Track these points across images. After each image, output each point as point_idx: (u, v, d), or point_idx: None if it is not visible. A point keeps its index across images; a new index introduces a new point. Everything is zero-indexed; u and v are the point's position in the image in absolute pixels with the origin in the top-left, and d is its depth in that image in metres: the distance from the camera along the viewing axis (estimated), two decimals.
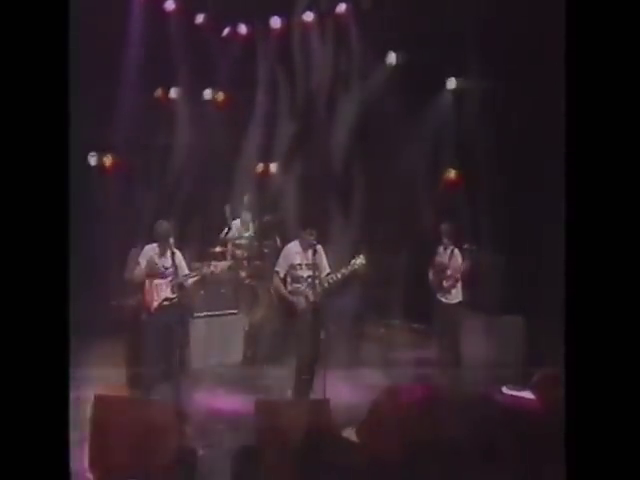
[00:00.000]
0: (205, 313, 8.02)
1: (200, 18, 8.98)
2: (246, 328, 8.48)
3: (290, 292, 6.36)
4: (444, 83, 9.42)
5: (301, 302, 6.32)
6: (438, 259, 7.67)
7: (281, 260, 6.43)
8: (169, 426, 4.33)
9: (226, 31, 9.23)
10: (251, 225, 9.22)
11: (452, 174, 9.24)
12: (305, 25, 9.22)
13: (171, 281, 6.21)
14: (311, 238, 6.26)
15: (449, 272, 7.50)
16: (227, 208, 8.91)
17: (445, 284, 7.56)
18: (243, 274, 8.75)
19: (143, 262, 6.22)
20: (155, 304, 6.19)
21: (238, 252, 8.91)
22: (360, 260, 6.28)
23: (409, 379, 7.09)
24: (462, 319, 7.65)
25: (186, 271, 6.32)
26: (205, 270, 6.33)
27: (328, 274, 6.37)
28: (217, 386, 7.18)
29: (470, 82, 8.95)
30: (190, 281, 6.34)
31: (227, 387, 7.17)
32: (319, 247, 6.39)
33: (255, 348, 8.22)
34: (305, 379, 6.27)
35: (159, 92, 9.57)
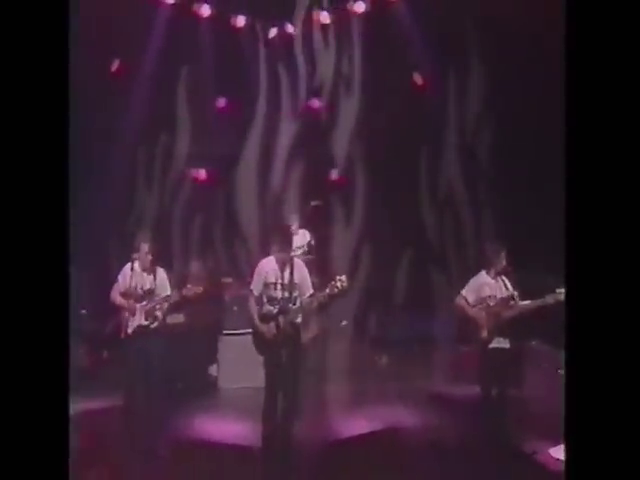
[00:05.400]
0: (236, 330, 7.49)
1: (241, 21, 8.65)
2: None
3: (262, 316, 5.51)
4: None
5: (271, 329, 5.45)
6: (487, 292, 5.74)
7: (255, 277, 5.61)
8: None
9: (273, 32, 8.80)
10: (308, 235, 8.63)
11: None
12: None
13: (144, 306, 5.68)
14: (283, 254, 5.50)
15: (514, 310, 5.62)
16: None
17: (507, 330, 5.65)
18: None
19: (121, 280, 5.77)
20: (129, 330, 5.69)
21: None
22: (341, 282, 5.28)
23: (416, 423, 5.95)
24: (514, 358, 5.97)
25: (167, 292, 5.75)
26: (174, 296, 5.70)
27: (311, 295, 5.48)
28: (234, 410, 6.65)
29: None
30: (164, 306, 5.70)
31: (244, 411, 6.59)
32: (299, 263, 5.59)
33: None
34: (277, 422, 5.40)
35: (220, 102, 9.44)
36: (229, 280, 7.93)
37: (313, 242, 8.44)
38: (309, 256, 8.36)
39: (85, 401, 6.06)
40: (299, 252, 8.42)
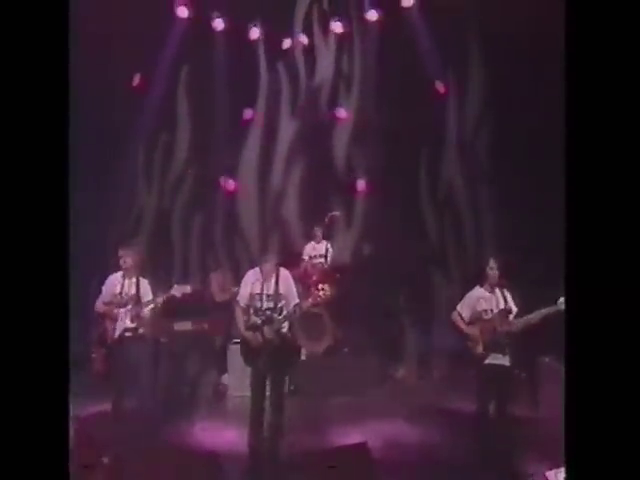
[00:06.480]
0: None
1: (255, 33, 8.76)
2: (302, 358, 7.87)
3: (248, 326, 5.51)
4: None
5: (256, 339, 5.45)
6: (483, 305, 5.45)
7: (241, 289, 5.63)
8: None
9: (288, 43, 8.86)
10: (328, 247, 8.63)
11: None
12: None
13: (130, 310, 5.78)
14: (268, 265, 5.49)
15: (511, 325, 5.31)
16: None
17: (505, 340, 5.33)
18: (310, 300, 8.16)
19: (105, 291, 5.91)
20: (116, 335, 5.81)
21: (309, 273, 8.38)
22: (324, 292, 5.38)
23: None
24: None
25: (150, 297, 5.84)
26: (160, 298, 5.76)
27: (295, 305, 5.47)
28: (240, 418, 6.62)
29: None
30: (150, 308, 5.79)
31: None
32: (284, 274, 5.57)
33: (305, 380, 7.52)
34: (263, 430, 5.41)
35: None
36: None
37: (330, 251, 8.51)
38: (325, 265, 8.42)
39: (91, 404, 6.19)
40: (320, 261, 8.50)
